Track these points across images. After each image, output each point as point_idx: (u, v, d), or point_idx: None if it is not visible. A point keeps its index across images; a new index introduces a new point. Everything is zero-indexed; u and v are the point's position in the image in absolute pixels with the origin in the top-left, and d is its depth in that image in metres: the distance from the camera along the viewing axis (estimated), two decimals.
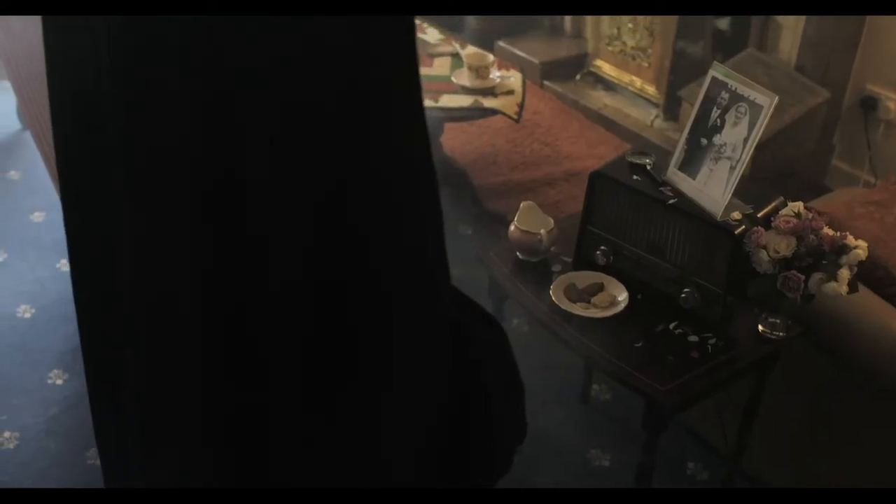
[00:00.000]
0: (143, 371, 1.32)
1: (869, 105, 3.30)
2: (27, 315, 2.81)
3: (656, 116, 3.78)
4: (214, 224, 1.23)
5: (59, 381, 2.56)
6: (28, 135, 3.42)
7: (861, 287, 1.88)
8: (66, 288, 2.94)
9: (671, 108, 3.72)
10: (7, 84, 3.57)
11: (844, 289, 1.82)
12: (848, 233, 1.86)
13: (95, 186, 1.30)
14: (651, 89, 3.79)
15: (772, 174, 3.23)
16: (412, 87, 1.30)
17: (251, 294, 1.27)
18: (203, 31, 1.11)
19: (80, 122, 1.27)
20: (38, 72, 2.63)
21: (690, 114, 2.00)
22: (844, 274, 1.82)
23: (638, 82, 3.85)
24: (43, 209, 3.27)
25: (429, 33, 3.45)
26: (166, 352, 1.31)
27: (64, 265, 2.96)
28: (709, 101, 1.94)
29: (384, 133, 1.28)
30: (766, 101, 1.84)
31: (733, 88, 1.89)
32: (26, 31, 2.64)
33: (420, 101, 1.32)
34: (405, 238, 1.36)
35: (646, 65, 3.78)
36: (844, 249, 1.83)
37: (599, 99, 3.96)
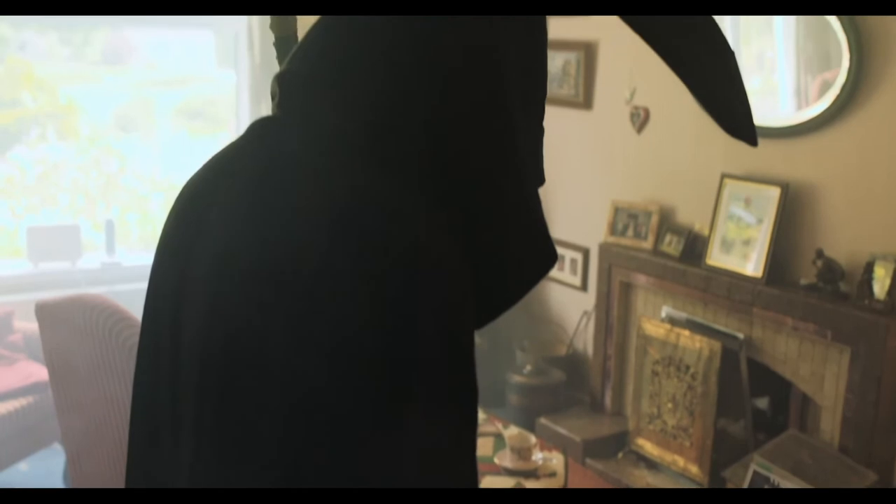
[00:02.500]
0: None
1: None
2: None
3: None
4: None
5: None
6: None
7: None
8: None
9: (715, 487, 3.67)
10: (58, 447, 3.65)
11: None
12: None
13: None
14: (694, 469, 3.77)
15: None
16: None
17: None
18: None
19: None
20: (87, 431, 2.72)
21: None
22: None
23: (681, 461, 3.83)
24: None
25: None
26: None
27: None
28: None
29: None
30: None
31: (775, 483, 1.90)
32: (80, 392, 2.77)
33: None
34: None
35: (688, 444, 3.79)
36: None
37: (642, 478, 3.93)
